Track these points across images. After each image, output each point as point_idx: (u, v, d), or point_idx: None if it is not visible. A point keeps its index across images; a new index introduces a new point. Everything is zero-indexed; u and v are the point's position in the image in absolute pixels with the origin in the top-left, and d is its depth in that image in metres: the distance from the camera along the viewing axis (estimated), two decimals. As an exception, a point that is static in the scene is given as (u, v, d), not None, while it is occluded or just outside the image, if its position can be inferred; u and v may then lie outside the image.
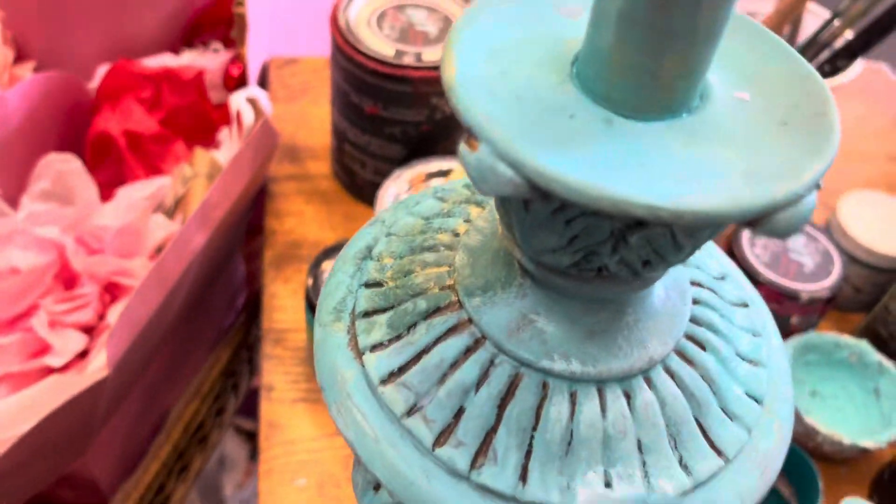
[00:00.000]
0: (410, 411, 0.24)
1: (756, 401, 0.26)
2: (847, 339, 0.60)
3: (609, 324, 0.24)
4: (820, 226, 0.64)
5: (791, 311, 0.58)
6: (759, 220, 0.18)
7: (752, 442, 0.25)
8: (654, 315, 0.25)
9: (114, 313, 0.60)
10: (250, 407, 0.95)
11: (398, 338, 0.26)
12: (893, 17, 0.60)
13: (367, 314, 0.27)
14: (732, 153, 0.19)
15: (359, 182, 0.70)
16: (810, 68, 0.21)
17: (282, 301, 0.64)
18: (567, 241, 0.21)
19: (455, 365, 0.25)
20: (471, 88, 0.19)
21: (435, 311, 0.26)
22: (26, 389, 0.53)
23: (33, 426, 0.49)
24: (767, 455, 0.25)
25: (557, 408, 0.24)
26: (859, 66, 0.65)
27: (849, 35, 0.66)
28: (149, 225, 0.64)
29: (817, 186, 0.19)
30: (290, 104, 0.79)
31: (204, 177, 0.68)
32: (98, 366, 0.56)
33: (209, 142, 0.77)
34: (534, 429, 0.24)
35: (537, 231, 0.21)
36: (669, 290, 0.26)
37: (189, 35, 0.91)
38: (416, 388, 0.25)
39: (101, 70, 0.79)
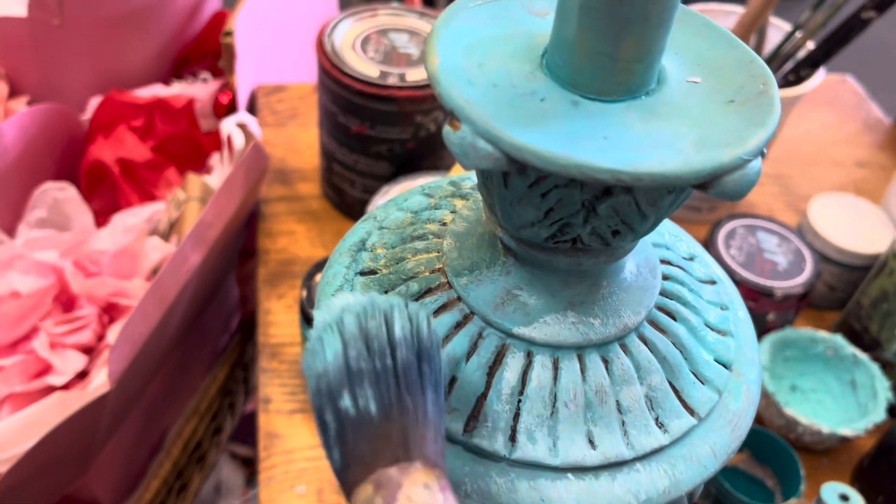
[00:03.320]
0: (406, 383, 0.26)
1: (725, 366, 0.28)
2: (822, 334, 0.62)
3: (586, 296, 0.26)
4: (792, 228, 0.66)
5: (767, 308, 0.60)
6: (710, 183, 0.20)
7: (722, 402, 0.27)
8: (627, 288, 0.27)
9: (113, 333, 0.62)
10: (245, 433, 0.96)
11: (393, 318, 0.28)
12: (851, 28, 0.64)
13: (363, 298, 0.29)
14: (685, 127, 0.21)
15: (348, 200, 0.72)
16: (753, 54, 0.24)
17: (276, 317, 0.66)
18: (543, 213, 0.23)
19: (446, 339, 0.27)
20: (452, 77, 0.22)
21: (426, 291, 0.28)
22: (30, 406, 0.54)
23: (37, 442, 0.51)
24: (737, 414, 0.27)
25: (541, 374, 0.26)
26: (822, 74, 0.68)
27: (810, 46, 0.69)
28: (145, 247, 0.66)
29: (762, 154, 0.21)
30: (279, 129, 0.82)
31: (196, 200, 0.70)
32: (99, 383, 0.58)
33: (200, 168, 0.79)
34: (520, 393, 0.26)
35: (517, 206, 0.23)
36: (641, 267, 0.28)
37: (178, 68, 0.94)
38: (411, 362, 0.27)
39: (94, 102, 0.81)
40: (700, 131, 0.21)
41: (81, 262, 0.65)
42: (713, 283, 0.31)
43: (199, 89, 0.83)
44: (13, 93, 0.82)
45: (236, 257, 0.82)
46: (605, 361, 0.26)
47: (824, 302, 0.70)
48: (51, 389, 0.59)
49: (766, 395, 0.59)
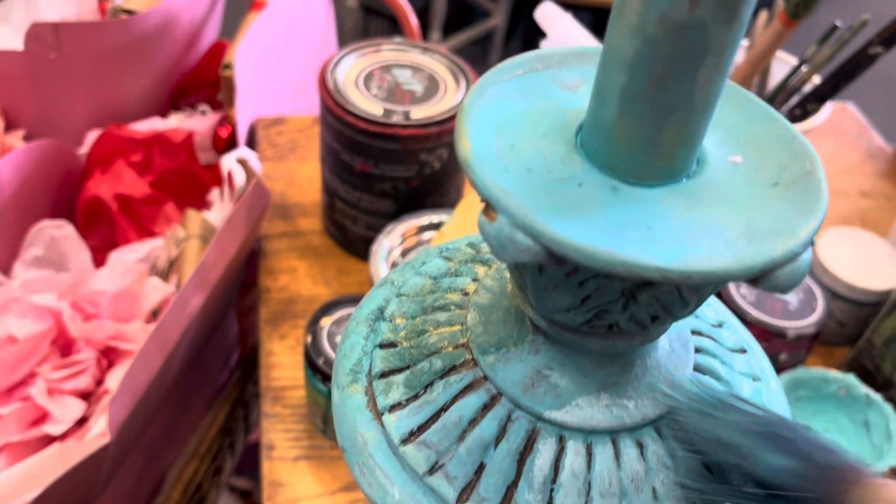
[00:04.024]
0: (432, 469, 0.25)
1: (761, 443, 0.27)
2: (835, 374, 0.61)
3: (619, 376, 0.25)
4: (801, 263, 0.66)
5: (779, 349, 0.60)
6: (760, 278, 0.19)
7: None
8: (661, 366, 0.26)
9: (112, 378, 0.61)
10: (244, 465, 0.95)
11: (416, 397, 0.27)
12: (858, 63, 0.63)
13: (383, 375, 0.28)
14: (731, 214, 0.20)
15: (350, 237, 0.71)
16: (794, 130, 0.23)
17: (279, 358, 0.64)
18: (580, 300, 0.22)
19: (473, 422, 0.26)
20: (485, 163, 0.21)
21: (450, 369, 0.27)
22: (29, 458, 0.53)
23: (37, 496, 0.49)
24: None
25: (574, 460, 0.25)
26: (828, 109, 0.67)
27: (817, 80, 0.69)
28: (144, 288, 0.65)
29: (811, 243, 0.20)
30: (279, 163, 0.81)
31: (197, 238, 0.69)
32: (98, 432, 0.56)
33: (199, 203, 0.78)
34: (553, 482, 0.25)
35: (551, 292, 0.22)
36: (673, 342, 0.27)
37: (175, 99, 0.93)
38: (437, 445, 0.25)
39: (91, 136, 0.80)
40: (747, 219, 0.20)
41: (80, 303, 0.64)
42: (743, 351, 0.30)
43: (197, 122, 0.82)
44: (9, 126, 0.81)
45: (236, 293, 0.80)
46: (640, 446, 0.25)
47: (834, 338, 0.69)
48: (48, 438, 0.58)
49: (779, 438, 0.58)
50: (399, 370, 0.28)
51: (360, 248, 0.71)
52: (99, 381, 0.62)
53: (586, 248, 0.19)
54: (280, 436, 0.60)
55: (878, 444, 0.60)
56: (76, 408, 0.59)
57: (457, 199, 0.71)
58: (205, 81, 0.94)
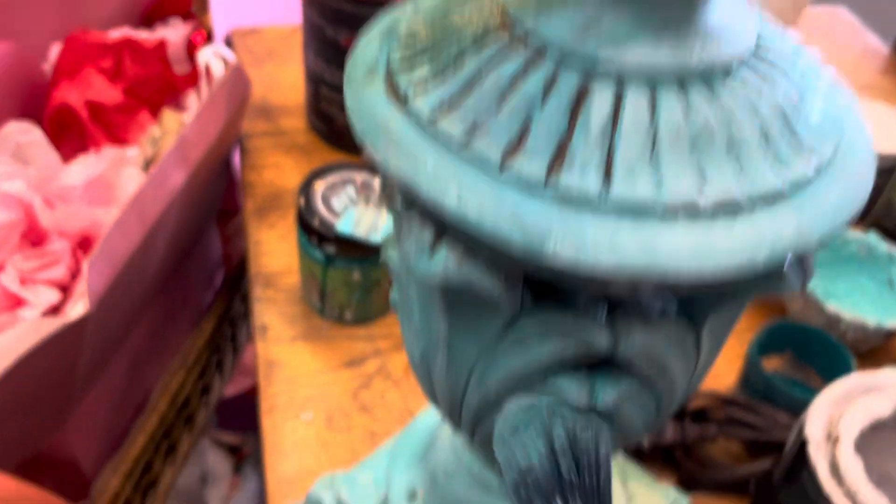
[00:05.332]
0: (470, 131, 0.22)
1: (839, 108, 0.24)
2: (855, 234, 0.59)
3: (682, 14, 0.22)
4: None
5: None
6: None
7: (846, 141, 0.23)
8: (728, 11, 0.23)
9: (89, 266, 0.56)
10: (230, 420, 0.91)
11: (444, 69, 0.23)
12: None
13: (405, 58, 0.24)
14: None
15: (337, 128, 0.67)
16: None
17: (268, 246, 0.61)
18: None
19: (515, 81, 0.22)
20: None
21: (483, 34, 0.23)
22: (3, 333, 0.48)
23: (11, 367, 0.45)
24: (860, 161, 0.23)
25: (636, 108, 0.21)
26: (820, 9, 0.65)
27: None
28: (121, 177, 0.61)
29: None
30: (258, 68, 0.77)
31: (174, 135, 0.65)
32: (77, 312, 0.52)
33: (176, 110, 0.74)
34: (612, 132, 0.21)
35: None
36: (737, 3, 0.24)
37: (147, 20, 0.88)
38: (474, 112, 0.22)
39: (56, 50, 0.76)
40: None
41: (51, 199, 0.59)
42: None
43: (170, 32, 0.78)
44: (-31, 43, 0.76)
45: (219, 201, 0.76)
46: (711, 92, 0.22)
47: (847, 210, 0.66)
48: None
49: (802, 294, 0.55)
50: (423, 51, 0.24)
51: (347, 139, 0.67)
52: (75, 274, 0.57)
53: None
54: (275, 318, 0.56)
55: (904, 299, 0.57)
56: (51, 294, 0.54)
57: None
58: (178, 4, 0.90)
